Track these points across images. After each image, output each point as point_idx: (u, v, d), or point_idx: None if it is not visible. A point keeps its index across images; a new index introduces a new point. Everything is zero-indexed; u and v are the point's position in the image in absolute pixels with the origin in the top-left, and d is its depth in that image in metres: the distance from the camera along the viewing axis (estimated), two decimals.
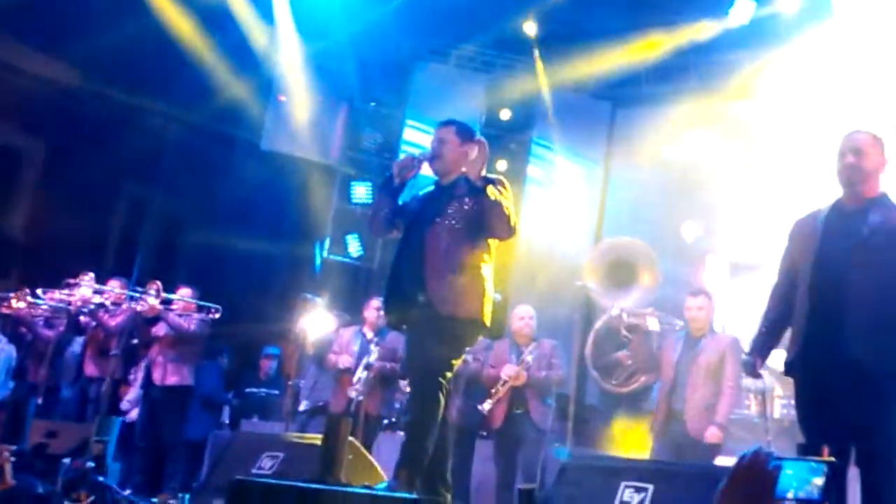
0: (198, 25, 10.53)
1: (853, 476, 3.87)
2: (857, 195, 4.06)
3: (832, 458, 2.48)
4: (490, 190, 4.67)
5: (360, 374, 7.47)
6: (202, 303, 8.25)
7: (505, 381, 7.09)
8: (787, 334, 4.24)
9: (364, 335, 7.88)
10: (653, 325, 7.08)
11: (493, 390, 7.11)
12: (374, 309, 7.84)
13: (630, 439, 7.37)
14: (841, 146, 4.11)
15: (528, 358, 7.17)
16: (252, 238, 11.05)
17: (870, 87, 9.66)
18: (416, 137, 11.42)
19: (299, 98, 11.49)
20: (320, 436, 4.73)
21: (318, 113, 11.57)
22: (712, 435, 6.37)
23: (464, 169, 4.88)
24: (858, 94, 9.92)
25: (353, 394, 7.36)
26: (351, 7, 11.49)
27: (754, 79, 10.69)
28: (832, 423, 3.86)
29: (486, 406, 7.08)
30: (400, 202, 5.05)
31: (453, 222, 4.75)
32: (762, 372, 5.97)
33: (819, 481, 2.36)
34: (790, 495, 2.15)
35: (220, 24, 10.63)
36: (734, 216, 10.91)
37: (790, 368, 4.18)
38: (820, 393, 3.98)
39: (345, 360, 7.68)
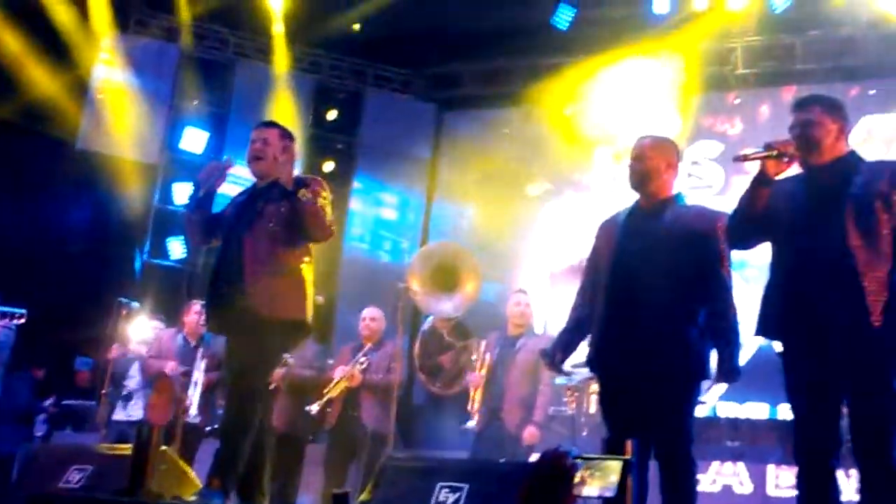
0: (7, 19, 10.03)
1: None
2: (647, 197, 4.22)
3: (628, 456, 2.57)
4: (302, 192, 4.63)
5: (192, 391, 7.26)
6: (5, 308, 7.83)
7: (337, 382, 7.02)
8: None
9: (187, 341, 7.63)
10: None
11: (325, 391, 7.04)
12: (194, 313, 7.61)
13: (453, 439, 7.44)
14: (630, 152, 4.28)
15: (362, 359, 7.12)
16: (66, 240, 10.59)
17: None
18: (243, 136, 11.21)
19: (118, 96, 11.11)
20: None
21: (139, 112, 11.20)
22: (531, 434, 6.51)
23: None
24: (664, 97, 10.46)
25: (188, 416, 7.18)
26: (174, 3, 11.22)
27: (577, 82, 11.05)
28: (630, 418, 3.98)
29: (314, 408, 6.98)
30: (214, 209, 4.96)
31: (270, 224, 4.69)
32: (574, 369, 6.15)
33: (615, 478, 2.45)
34: (587, 491, 2.21)
35: (31, 18, 10.14)
36: (553, 221, 11.23)
37: (590, 365, 4.30)
38: (617, 389, 4.11)
39: (172, 367, 7.40)
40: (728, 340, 4.03)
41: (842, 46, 10.34)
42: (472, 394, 6.69)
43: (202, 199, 4.90)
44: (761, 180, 3.72)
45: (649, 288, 3.98)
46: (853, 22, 10.13)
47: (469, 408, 6.72)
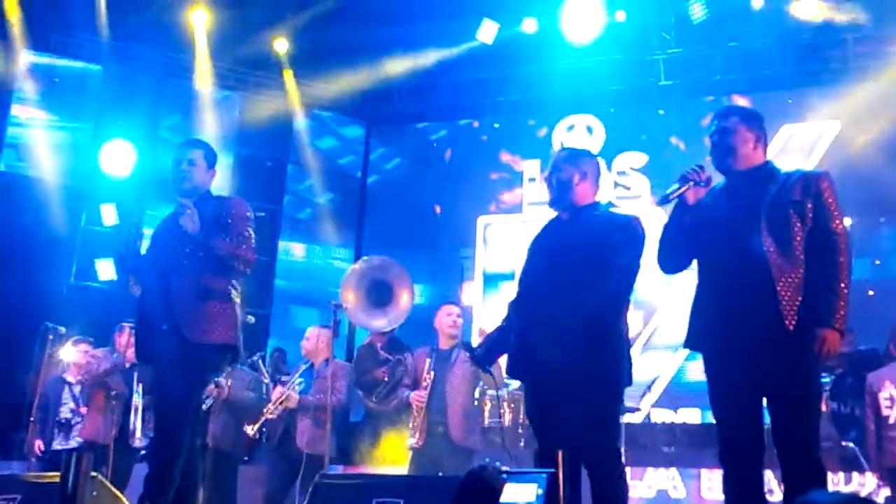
0: None
1: None
2: (564, 207, 4.31)
3: (552, 470, 2.59)
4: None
5: (133, 417, 7.19)
6: None
7: (275, 403, 6.97)
8: None
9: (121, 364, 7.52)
10: None
11: (264, 410, 6.99)
12: (127, 335, 7.51)
13: (392, 454, 7.43)
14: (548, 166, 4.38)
15: (298, 379, 7.08)
16: None
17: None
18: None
19: (42, 117, 10.93)
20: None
21: (64, 133, 11.03)
22: (475, 442, 6.56)
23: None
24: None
25: (136, 443, 7.13)
26: (96, 20, 11.07)
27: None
28: (554, 428, 4.03)
29: (250, 430, 6.94)
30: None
31: (195, 248, 4.65)
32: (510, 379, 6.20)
33: (539, 491, 2.48)
34: None
35: None
36: (491, 229, 11.35)
37: (510, 373, 4.36)
38: (537, 400, 4.16)
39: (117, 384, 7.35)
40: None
41: (758, 56, 10.60)
42: (414, 411, 6.67)
43: (131, 267, 4.88)
44: (684, 209, 3.83)
45: (555, 295, 4.03)
46: (770, 32, 10.40)
47: (411, 424, 6.70)
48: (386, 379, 7.37)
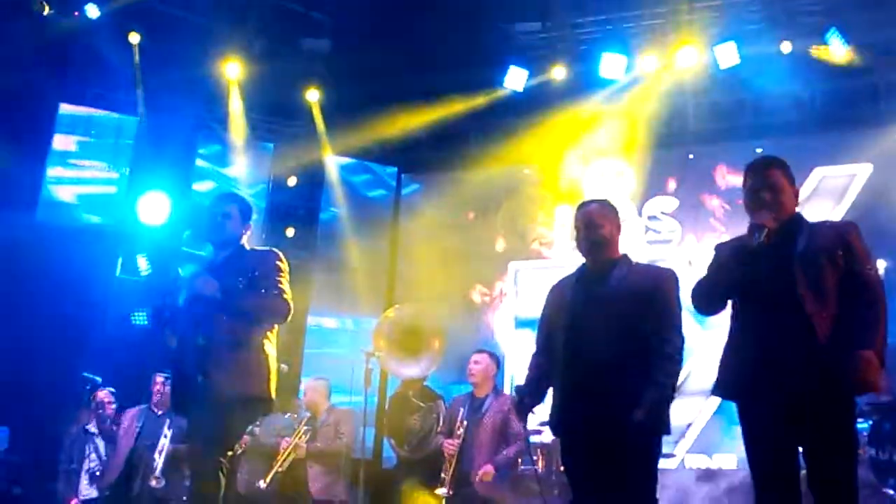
0: None
1: None
2: (598, 261, 4.31)
3: None
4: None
5: (157, 457, 7.23)
6: None
7: (283, 455, 7.00)
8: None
9: (152, 411, 7.60)
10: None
11: (272, 464, 7.02)
12: (159, 384, 7.59)
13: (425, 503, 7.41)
14: (576, 219, 4.35)
15: (306, 428, 7.11)
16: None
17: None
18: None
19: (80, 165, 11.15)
20: None
21: (101, 181, 11.21)
22: (485, 472, 6.63)
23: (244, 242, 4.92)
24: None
25: (153, 482, 7.15)
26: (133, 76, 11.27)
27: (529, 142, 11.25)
28: (592, 481, 4.03)
29: (263, 484, 6.96)
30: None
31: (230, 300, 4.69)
32: (542, 426, 6.17)
33: None
34: None
35: None
36: (522, 275, 11.35)
37: (552, 428, 4.35)
38: (578, 451, 4.14)
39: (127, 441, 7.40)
40: (658, 387, 4.04)
41: (789, 101, 10.61)
42: (447, 459, 6.65)
43: (168, 318, 4.92)
44: (746, 254, 3.81)
45: (601, 350, 4.05)
46: (799, 77, 10.42)
47: (443, 473, 6.69)
48: (419, 426, 7.37)
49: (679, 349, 4.11)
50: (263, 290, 4.71)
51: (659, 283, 4.20)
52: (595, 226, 4.29)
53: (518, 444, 6.64)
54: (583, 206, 4.42)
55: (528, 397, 4.39)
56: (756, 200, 3.89)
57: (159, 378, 7.65)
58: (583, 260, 4.40)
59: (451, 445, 6.65)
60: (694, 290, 3.98)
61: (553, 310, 4.38)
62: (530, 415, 4.55)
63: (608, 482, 3.98)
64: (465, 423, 6.73)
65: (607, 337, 4.06)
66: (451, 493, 6.60)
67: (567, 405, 4.15)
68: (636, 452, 4.01)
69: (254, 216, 5.10)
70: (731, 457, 9.46)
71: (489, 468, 6.55)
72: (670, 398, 4.08)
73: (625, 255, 4.36)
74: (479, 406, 6.74)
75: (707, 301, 3.98)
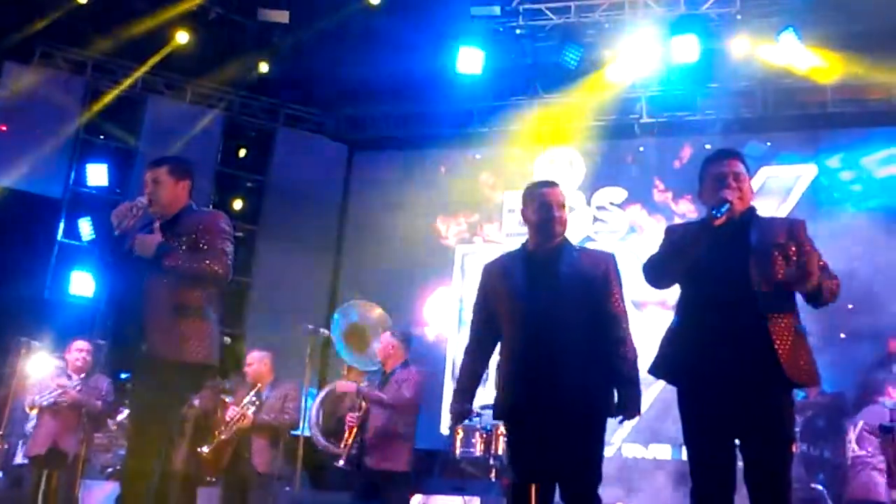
0: None
1: None
2: (550, 243, 4.30)
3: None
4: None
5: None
6: None
7: (228, 424, 6.96)
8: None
9: (70, 377, 7.50)
10: None
11: (216, 433, 6.97)
12: (75, 350, 7.52)
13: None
14: (536, 196, 4.33)
15: (253, 400, 7.06)
16: None
17: None
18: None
19: (22, 129, 10.92)
20: None
21: (43, 145, 11.00)
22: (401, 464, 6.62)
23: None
24: None
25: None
26: (82, 35, 11.09)
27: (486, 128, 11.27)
28: (541, 462, 4.03)
29: (205, 449, 6.91)
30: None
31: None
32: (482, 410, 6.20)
33: None
34: None
35: None
36: (470, 261, 11.39)
37: (499, 413, 4.32)
38: (528, 435, 4.11)
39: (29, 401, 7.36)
40: (632, 384, 4.12)
41: (739, 99, 10.77)
42: (347, 430, 6.65)
43: (117, 240, 4.68)
44: (708, 230, 3.84)
45: (556, 335, 4.06)
46: (751, 76, 10.57)
47: (342, 444, 6.67)
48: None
49: (628, 330, 4.18)
50: (204, 251, 4.57)
51: (608, 267, 4.24)
52: (559, 206, 4.30)
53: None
54: (545, 185, 4.41)
55: (468, 406, 4.39)
56: (720, 183, 3.93)
57: (77, 344, 7.55)
58: (521, 241, 4.41)
59: (351, 419, 6.66)
60: (646, 266, 4.01)
61: (495, 291, 4.34)
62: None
63: (558, 466, 3.99)
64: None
65: (564, 321, 4.08)
66: (348, 465, 6.57)
67: (520, 390, 4.10)
68: (591, 433, 4.06)
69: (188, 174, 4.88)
70: (666, 447, 9.60)
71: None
72: (639, 387, 4.16)
73: (567, 238, 4.38)
74: (386, 380, 6.77)
75: (658, 277, 4.00)
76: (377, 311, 7.36)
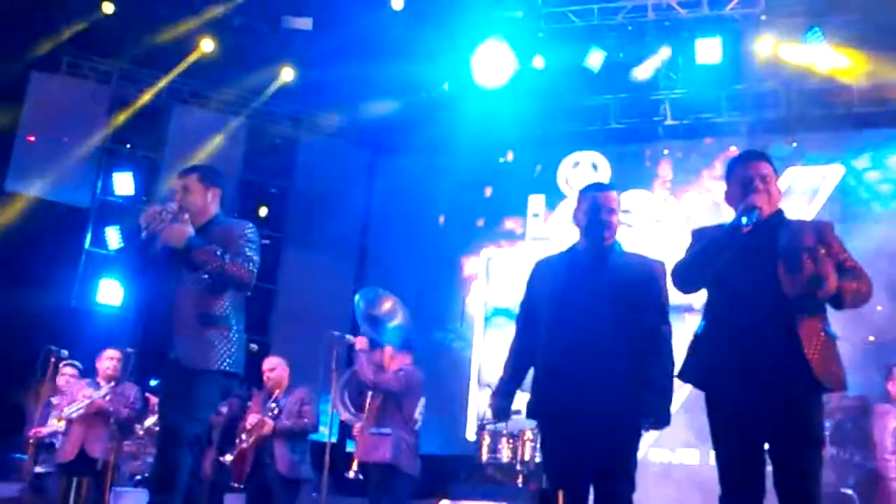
0: None
1: None
2: (601, 246, 4.28)
3: None
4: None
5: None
6: None
7: (249, 431, 6.99)
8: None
9: (98, 386, 7.54)
10: None
11: (237, 440, 7.00)
12: (106, 359, 7.56)
13: None
14: (591, 198, 4.31)
15: (272, 406, 7.09)
16: None
17: None
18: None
19: (49, 139, 11.01)
20: None
21: (70, 155, 11.09)
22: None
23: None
24: None
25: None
26: (108, 45, 11.17)
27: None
28: (574, 466, 4.02)
29: (229, 458, 6.95)
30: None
31: (199, 273, 4.59)
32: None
33: None
34: None
35: None
36: (494, 265, 11.38)
37: (534, 415, 4.30)
38: (565, 436, 4.11)
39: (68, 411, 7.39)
40: (664, 392, 4.10)
41: (764, 100, 10.71)
42: None
43: (145, 243, 4.70)
44: (736, 234, 3.80)
45: (596, 339, 4.04)
46: (776, 76, 10.50)
47: None
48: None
49: (671, 342, 4.15)
50: (228, 256, 4.58)
51: (654, 275, 4.21)
52: (612, 210, 4.27)
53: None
54: (598, 187, 4.40)
55: (508, 404, 4.35)
56: (748, 186, 3.89)
57: (108, 353, 7.59)
58: (572, 242, 4.38)
59: None
60: (676, 271, 3.97)
61: (540, 292, 4.32)
62: None
63: (592, 472, 3.98)
64: None
65: (603, 329, 4.05)
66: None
67: (559, 391, 4.09)
68: (626, 445, 4.04)
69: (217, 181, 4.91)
70: (695, 451, 9.53)
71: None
72: (672, 397, 4.13)
73: (617, 242, 4.35)
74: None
75: (686, 282, 3.95)
76: (388, 304, 7.34)
